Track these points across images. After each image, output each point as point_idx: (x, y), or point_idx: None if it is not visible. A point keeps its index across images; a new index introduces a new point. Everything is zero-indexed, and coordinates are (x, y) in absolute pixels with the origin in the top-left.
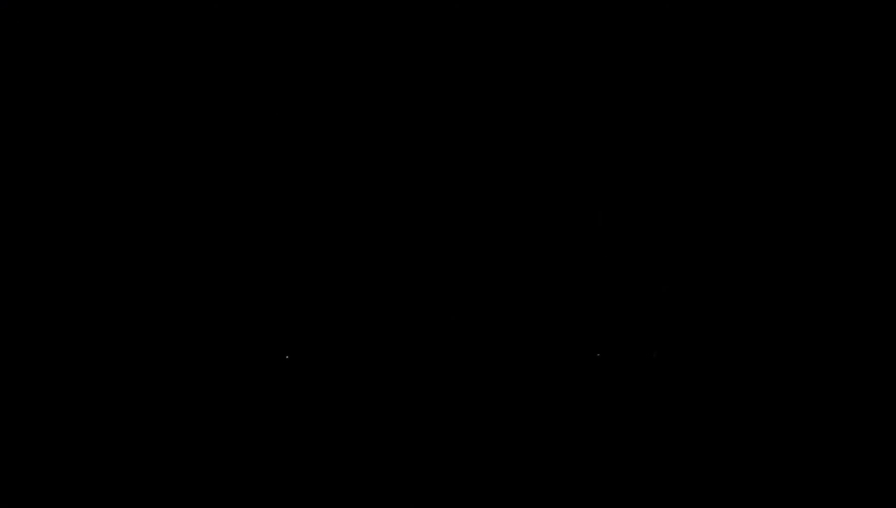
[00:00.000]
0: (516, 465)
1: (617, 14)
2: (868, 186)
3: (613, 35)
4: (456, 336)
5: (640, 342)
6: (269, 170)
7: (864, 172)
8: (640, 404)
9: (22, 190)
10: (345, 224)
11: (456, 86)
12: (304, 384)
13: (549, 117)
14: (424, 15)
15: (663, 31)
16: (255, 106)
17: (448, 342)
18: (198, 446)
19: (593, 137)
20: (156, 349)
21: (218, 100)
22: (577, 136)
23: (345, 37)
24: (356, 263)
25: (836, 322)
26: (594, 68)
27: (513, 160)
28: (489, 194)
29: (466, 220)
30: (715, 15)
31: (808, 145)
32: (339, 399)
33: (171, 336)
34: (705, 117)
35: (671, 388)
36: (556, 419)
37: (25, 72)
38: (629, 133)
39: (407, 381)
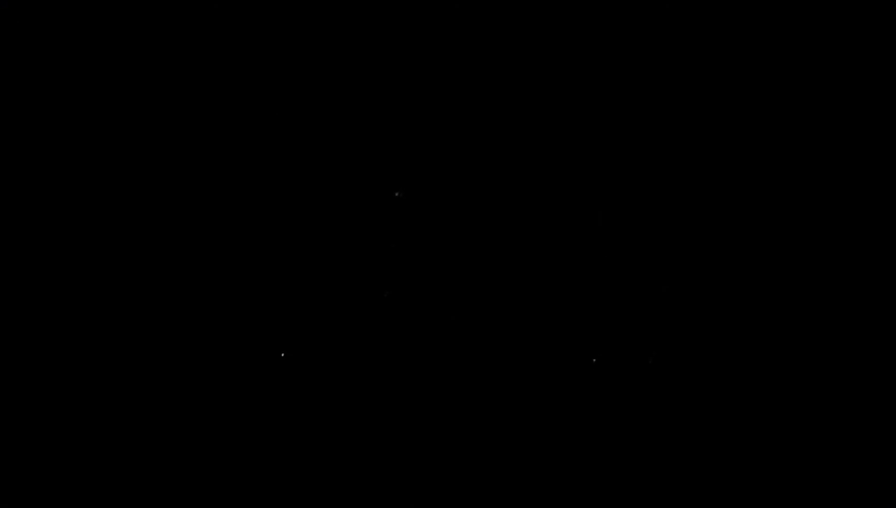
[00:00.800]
0: (513, 468)
1: (617, 14)
2: (868, 186)
3: (613, 35)
4: (454, 338)
5: (637, 348)
6: (266, 166)
7: (865, 172)
8: (637, 409)
9: (22, 190)
10: (343, 223)
11: (455, 85)
12: (299, 381)
13: (549, 117)
14: (424, 15)
15: (663, 31)
16: (252, 105)
17: (446, 344)
18: (194, 443)
19: (593, 138)
20: (151, 347)
21: (217, 99)
22: (576, 136)
23: (344, 37)
24: (355, 262)
25: (836, 324)
26: (594, 68)
27: (512, 161)
28: (488, 194)
29: (465, 220)
30: (715, 15)
31: (808, 145)
32: (336, 398)
33: (167, 334)
34: (705, 117)
35: (667, 393)
36: (553, 423)
37: (25, 72)
38: (629, 133)
39: (405, 382)
